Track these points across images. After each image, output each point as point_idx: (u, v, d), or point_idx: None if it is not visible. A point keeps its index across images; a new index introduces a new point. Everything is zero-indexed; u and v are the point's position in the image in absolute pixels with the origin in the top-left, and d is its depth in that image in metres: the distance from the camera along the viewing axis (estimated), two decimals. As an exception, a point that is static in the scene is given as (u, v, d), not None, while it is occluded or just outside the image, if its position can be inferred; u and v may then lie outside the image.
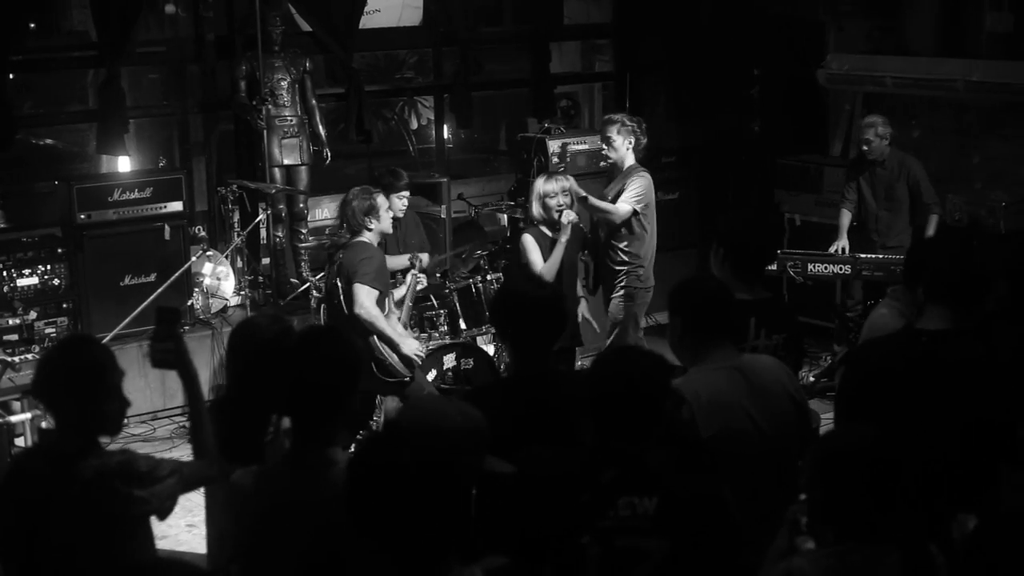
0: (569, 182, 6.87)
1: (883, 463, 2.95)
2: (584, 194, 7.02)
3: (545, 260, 6.72)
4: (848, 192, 8.40)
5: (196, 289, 8.09)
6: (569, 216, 6.71)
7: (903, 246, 7.65)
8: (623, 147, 7.11)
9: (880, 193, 8.27)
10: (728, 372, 3.70)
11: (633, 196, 7.05)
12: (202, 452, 3.50)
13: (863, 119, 8.42)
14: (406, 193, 7.58)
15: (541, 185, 6.84)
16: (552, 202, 6.74)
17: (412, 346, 6.49)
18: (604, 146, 7.24)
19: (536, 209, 6.84)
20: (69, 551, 3.18)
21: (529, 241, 6.81)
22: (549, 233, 6.79)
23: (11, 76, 8.12)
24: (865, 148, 8.18)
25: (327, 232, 7.87)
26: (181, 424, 7.61)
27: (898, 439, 3.06)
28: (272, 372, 3.39)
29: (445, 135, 10.82)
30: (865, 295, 8.28)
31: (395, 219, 7.64)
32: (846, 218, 8.35)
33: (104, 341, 7.12)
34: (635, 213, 7.07)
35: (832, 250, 8.16)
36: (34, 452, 3.35)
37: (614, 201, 7.10)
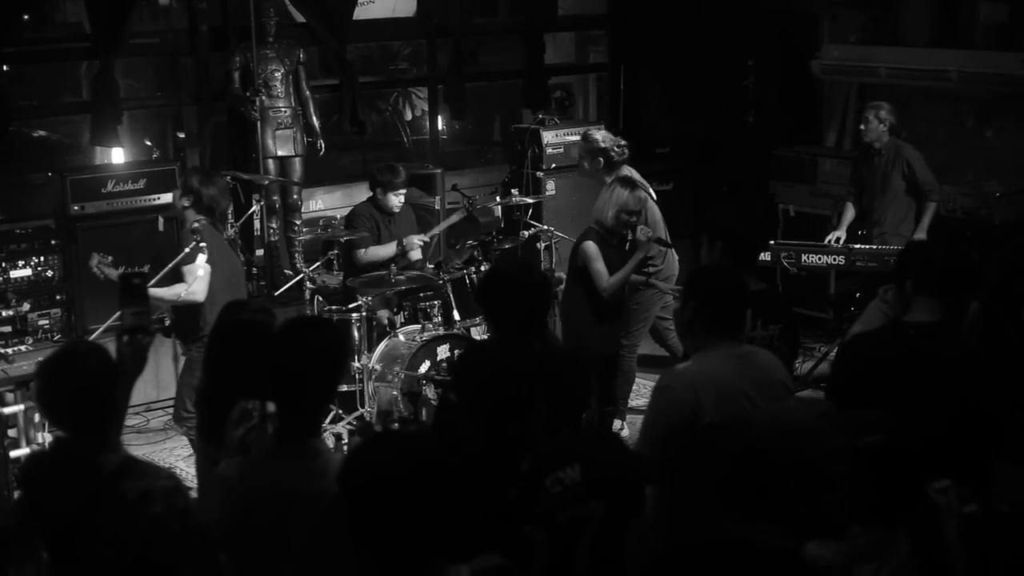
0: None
1: (889, 451, 2.93)
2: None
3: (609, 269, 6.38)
4: (854, 186, 8.31)
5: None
6: (646, 231, 6.36)
7: (904, 236, 7.63)
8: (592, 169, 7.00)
9: (876, 182, 8.16)
10: (731, 360, 3.77)
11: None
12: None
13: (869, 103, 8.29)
14: (404, 191, 7.65)
15: (624, 196, 6.36)
16: (629, 218, 6.36)
17: None
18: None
19: (611, 216, 6.38)
20: (112, 553, 3.14)
21: (593, 249, 6.35)
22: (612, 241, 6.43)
23: (5, 68, 8.12)
24: (862, 127, 8.09)
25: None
26: (175, 416, 7.62)
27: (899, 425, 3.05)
28: (246, 360, 3.40)
29: (439, 126, 10.82)
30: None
31: (390, 214, 7.67)
32: (849, 212, 8.24)
33: (96, 332, 7.17)
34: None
35: (828, 240, 8.11)
36: (58, 461, 3.28)
37: None
